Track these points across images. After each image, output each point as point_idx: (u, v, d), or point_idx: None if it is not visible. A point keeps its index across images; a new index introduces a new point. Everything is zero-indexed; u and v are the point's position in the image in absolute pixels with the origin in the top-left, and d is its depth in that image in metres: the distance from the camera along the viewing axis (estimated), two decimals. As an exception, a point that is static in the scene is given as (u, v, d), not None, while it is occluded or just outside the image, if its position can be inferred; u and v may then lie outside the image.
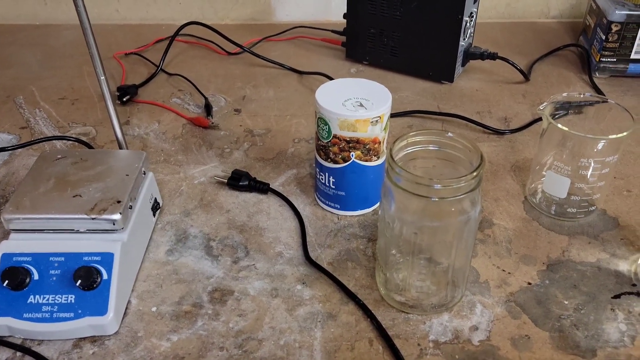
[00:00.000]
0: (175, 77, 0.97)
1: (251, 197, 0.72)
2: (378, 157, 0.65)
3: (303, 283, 0.61)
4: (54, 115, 0.87)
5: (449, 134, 0.54)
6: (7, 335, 0.54)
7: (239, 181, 0.72)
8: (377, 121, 0.62)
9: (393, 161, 0.51)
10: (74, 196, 0.58)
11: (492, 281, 0.60)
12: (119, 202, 0.57)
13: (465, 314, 0.57)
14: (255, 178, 0.72)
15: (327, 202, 0.69)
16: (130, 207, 0.59)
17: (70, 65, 1.01)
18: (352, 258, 0.63)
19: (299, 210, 0.69)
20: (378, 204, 0.70)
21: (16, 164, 0.77)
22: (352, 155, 0.64)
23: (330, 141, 0.63)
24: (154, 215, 0.67)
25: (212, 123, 0.84)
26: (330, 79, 0.93)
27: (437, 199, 0.49)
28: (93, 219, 0.56)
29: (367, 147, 0.63)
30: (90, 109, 0.89)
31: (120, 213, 0.56)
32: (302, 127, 0.85)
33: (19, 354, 0.53)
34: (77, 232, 0.57)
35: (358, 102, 0.63)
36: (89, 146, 0.79)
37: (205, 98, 0.89)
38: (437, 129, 0.83)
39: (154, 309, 0.58)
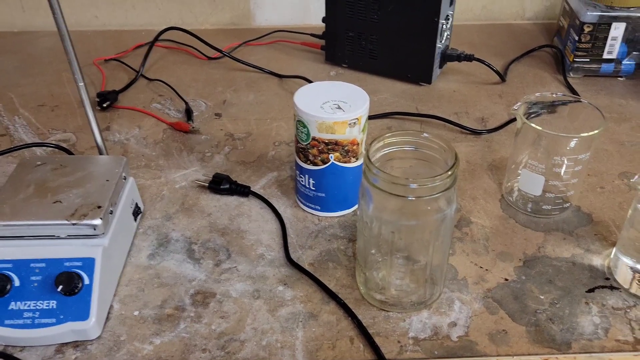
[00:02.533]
0: (155, 83, 0.97)
1: (232, 200, 0.72)
2: (357, 159, 0.66)
3: (284, 284, 0.61)
4: (33, 122, 0.87)
5: (425, 134, 0.55)
6: (-11, 342, 0.55)
7: (220, 185, 0.72)
8: (355, 123, 0.63)
9: (370, 162, 0.52)
10: (54, 202, 0.58)
11: (470, 278, 0.61)
12: (99, 207, 0.58)
13: (444, 311, 0.58)
14: (236, 181, 0.73)
15: (307, 204, 0.70)
16: (111, 212, 0.59)
17: (49, 72, 1.01)
18: (333, 258, 0.64)
19: (279, 212, 0.70)
20: (356, 205, 0.71)
21: (-5, 172, 0.77)
22: (331, 157, 0.65)
23: (309, 143, 0.64)
24: (135, 220, 0.67)
25: (193, 127, 0.84)
26: (310, 82, 0.94)
27: (413, 198, 0.51)
28: (74, 224, 0.56)
29: (345, 148, 0.64)
30: (70, 116, 0.89)
31: (100, 218, 0.57)
32: (282, 130, 0.85)
33: (0, 360, 0.54)
34: (58, 238, 0.57)
35: (336, 104, 0.64)
36: (69, 152, 0.79)
37: (186, 103, 0.90)
38: (414, 129, 0.85)
39: (136, 312, 0.58)
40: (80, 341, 0.55)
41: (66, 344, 0.55)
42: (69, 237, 0.57)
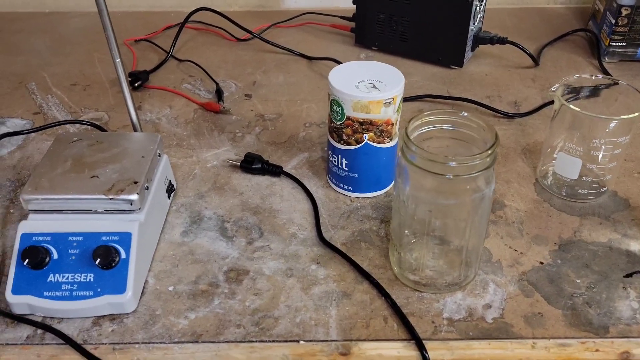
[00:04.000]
0: (185, 63, 0.97)
1: (264, 180, 0.72)
2: (391, 139, 0.66)
3: (317, 263, 0.61)
4: (66, 101, 0.88)
5: (463, 113, 0.54)
6: (28, 313, 0.55)
7: (252, 164, 0.72)
8: (390, 102, 0.62)
9: (409, 139, 0.51)
10: (91, 177, 0.59)
11: (505, 261, 0.61)
12: (135, 182, 0.58)
13: (479, 293, 0.58)
14: (267, 161, 0.73)
15: (339, 185, 0.70)
16: (147, 188, 0.60)
17: (80, 52, 1.02)
18: (366, 239, 0.64)
19: (311, 192, 0.70)
20: (390, 186, 0.70)
21: (30, 149, 0.78)
22: (365, 137, 0.64)
23: (343, 123, 0.64)
24: (169, 197, 0.67)
25: (224, 108, 0.84)
26: (340, 63, 0.93)
27: (452, 177, 0.50)
28: (111, 199, 0.57)
29: (380, 128, 0.64)
30: (102, 95, 0.89)
31: (137, 193, 0.57)
32: (312, 111, 0.85)
33: (39, 331, 0.54)
34: (95, 212, 0.58)
35: (371, 83, 0.63)
36: (103, 130, 0.79)
37: (216, 83, 0.90)
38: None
39: (171, 288, 0.59)
40: (116, 314, 0.56)
41: (102, 316, 0.56)
42: (106, 211, 0.58)
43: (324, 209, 0.68)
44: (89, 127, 0.81)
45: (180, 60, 0.98)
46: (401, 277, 0.59)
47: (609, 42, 0.94)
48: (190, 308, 0.57)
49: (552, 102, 0.69)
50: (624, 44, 0.93)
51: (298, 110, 0.85)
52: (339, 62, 0.94)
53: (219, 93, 0.88)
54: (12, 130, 0.81)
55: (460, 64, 0.94)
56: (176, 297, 0.58)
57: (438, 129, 0.55)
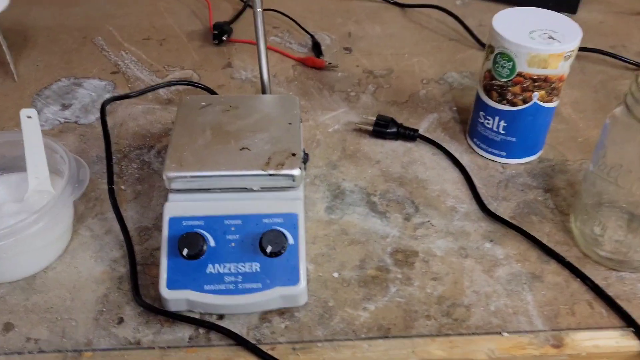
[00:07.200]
0: (267, 13, 0.87)
1: (398, 145, 0.65)
2: (558, 97, 0.58)
3: (491, 240, 0.54)
4: (144, 58, 0.78)
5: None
6: (186, 310, 0.48)
7: (386, 128, 0.64)
8: (569, 56, 0.55)
9: (643, 97, 0.44)
10: (240, 149, 0.50)
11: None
12: (294, 155, 0.50)
13: (684, 271, 0.51)
14: (402, 124, 0.65)
15: (489, 150, 0.62)
16: (304, 161, 0.52)
17: (144, 1, 0.90)
18: (535, 211, 0.57)
19: (457, 158, 0.62)
20: (542, 150, 0.63)
21: (121, 114, 0.68)
22: (535, 95, 0.56)
23: (511, 80, 0.56)
24: (305, 168, 0.59)
25: (330, 64, 0.75)
26: (446, 11, 0.85)
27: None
28: (271, 175, 0.48)
29: (552, 86, 0.56)
30: (182, 50, 0.79)
31: (300, 168, 0.49)
32: (425, 66, 0.77)
33: (202, 330, 0.47)
34: (251, 190, 0.50)
35: (546, 34, 0.55)
36: (215, 93, 0.70)
37: (311, 36, 0.80)
38: None
39: (335, 274, 0.51)
40: (284, 308, 0.48)
41: (270, 311, 0.48)
42: (263, 189, 0.50)
43: (475, 178, 0.60)
44: (201, 89, 0.71)
45: (259, 10, 0.88)
46: (591, 254, 0.53)
47: None
48: (365, 297, 0.50)
49: None
50: None
51: (409, 65, 0.77)
52: (442, 9, 0.85)
53: (316, 47, 0.78)
54: (92, 93, 0.71)
55: (573, 9, 0.85)
56: (345, 285, 0.51)
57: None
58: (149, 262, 0.52)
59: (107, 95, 0.71)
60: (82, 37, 0.82)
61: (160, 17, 0.87)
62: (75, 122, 0.67)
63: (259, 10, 0.53)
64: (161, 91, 0.72)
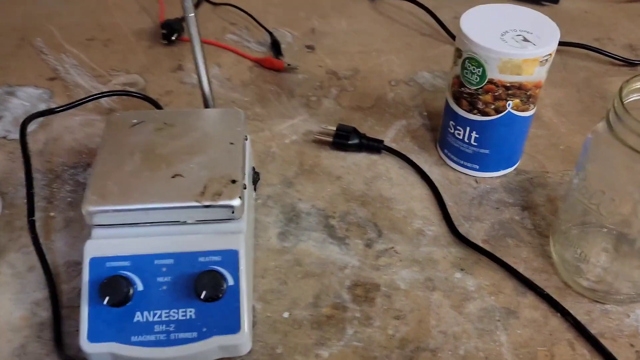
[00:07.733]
0: (223, 8, 0.80)
1: (361, 158, 0.58)
2: (534, 105, 0.52)
3: (461, 269, 0.49)
4: (86, 62, 0.71)
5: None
6: (111, 365, 0.42)
7: (347, 139, 0.58)
8: (546, 60, 0.48)
9: (626, 112, 0.38)
10: (172, 176, 0.44)
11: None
12: (233, 181, 0.44)
13: (675, 301, 0.46)
14: (365, 134, 0.59)
15: (462, 162, 0.56)
16: (244, 187, 0.45)
17: (90, -4, 0.83)
18: (510, 233, 0.51)
19: (426, 173, 0.56)
20: (519, 162, 0.57)
21: (56, 128, 0.62)
22: (509, 104, 0.50)
23: (482, 88, 0.50)
24: (255, 189, 0.53)
25: (289, 65, 0.69)
26: (417, 3, 0.78)
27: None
28: (207, 206, 0.42)
29: (528, 93, 0.50)
30: (128, 52, 0.72)
31: (239, 197, 0.43)
32: (394, 65, 0.70)
33: (129, 388, 0.41)
34: (184, 223, 0.43)
35: (520, 35, 0.49)
36: (159, 106, 0.63)
37: (270, 33, 0.74)
38: None
39: (286, 314, 0.46)
40: (225, 358, 0.43)
41: (209, 361, 0.42)
42: (198, 222, 0.43)
43: (446, 195, 0.55)
44: (141, 99, 0.64)
45: (215, 4, 0.81)
46: (573, 284, 0.47)
47: None
48: (319, 342, 0.44)
49: None
50: None
51: (377, 65, 0.70)
52: (414, 2, 0.78)
53: (275, 45, 0.72)
54: (26, 103, 0.65)
55: None
56: (296, 327, 0.45)
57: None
58: (77, 304, 0.46)
59: (43, 106, 0.64)
60: (19, 38, 0.75)
61: (107, 14, 0.79)
62: (4, 138, 0.61)
63: (191, 15, 0.47)
64: (102, 100, 0.65)
